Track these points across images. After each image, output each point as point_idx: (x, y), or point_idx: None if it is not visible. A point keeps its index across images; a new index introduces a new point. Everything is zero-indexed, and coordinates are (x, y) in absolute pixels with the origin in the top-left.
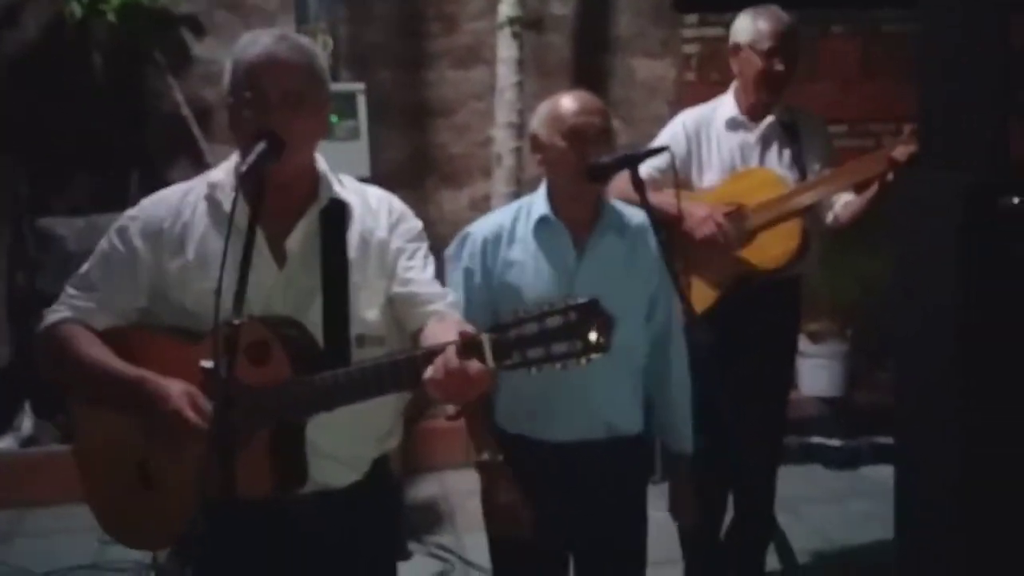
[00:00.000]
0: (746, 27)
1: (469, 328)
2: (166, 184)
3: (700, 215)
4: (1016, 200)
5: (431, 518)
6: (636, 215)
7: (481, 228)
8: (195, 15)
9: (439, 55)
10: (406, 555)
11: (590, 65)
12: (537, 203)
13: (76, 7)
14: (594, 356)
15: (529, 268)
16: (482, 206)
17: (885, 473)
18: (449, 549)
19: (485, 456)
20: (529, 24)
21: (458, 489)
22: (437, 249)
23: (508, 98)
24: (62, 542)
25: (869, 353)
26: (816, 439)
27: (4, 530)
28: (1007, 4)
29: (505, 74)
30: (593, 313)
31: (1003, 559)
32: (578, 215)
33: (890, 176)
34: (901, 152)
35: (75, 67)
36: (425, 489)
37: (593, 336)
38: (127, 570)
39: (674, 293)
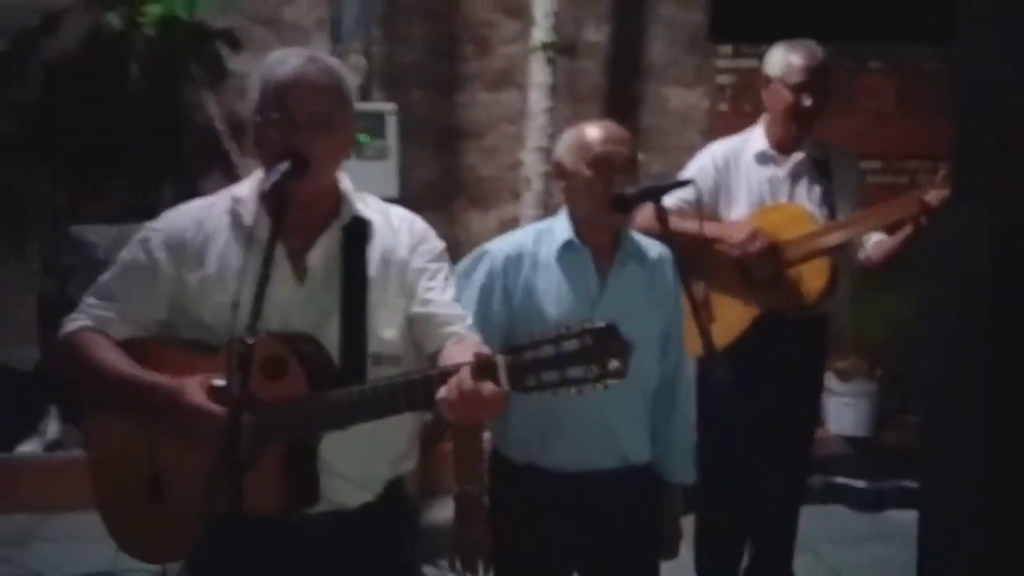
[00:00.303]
0: (778, 60)
1: (485, 349)
2: (199, 195)
3: (743, 234)
4: None
5: (447, 542)
6: (655, 246)
7: (502, 246)
8: (232, 30)
9: (472, 78)
10: None
11: (623, 92)
12: (560, 228)
13: (115, 19)
14: (610, 382)
15: (552, 292)
16: (510, 228)
17: (910, 517)
18: (464, 574)
19: (470, 488)
20: (562, 50)
21: None
22: None
23: (539, 123)
24: (79, 548)
25: (899, 394)
26: (840, 479)
27: (22, 533)
28: None
29: (537, 99)
30: (610, 338)
31: None
32: (600, 242)
33: (924, 220)
34: (934, 196)
35: (112, 78)
36: (442, 512)
37: (610, 361)
38: None
39: (683, 328)
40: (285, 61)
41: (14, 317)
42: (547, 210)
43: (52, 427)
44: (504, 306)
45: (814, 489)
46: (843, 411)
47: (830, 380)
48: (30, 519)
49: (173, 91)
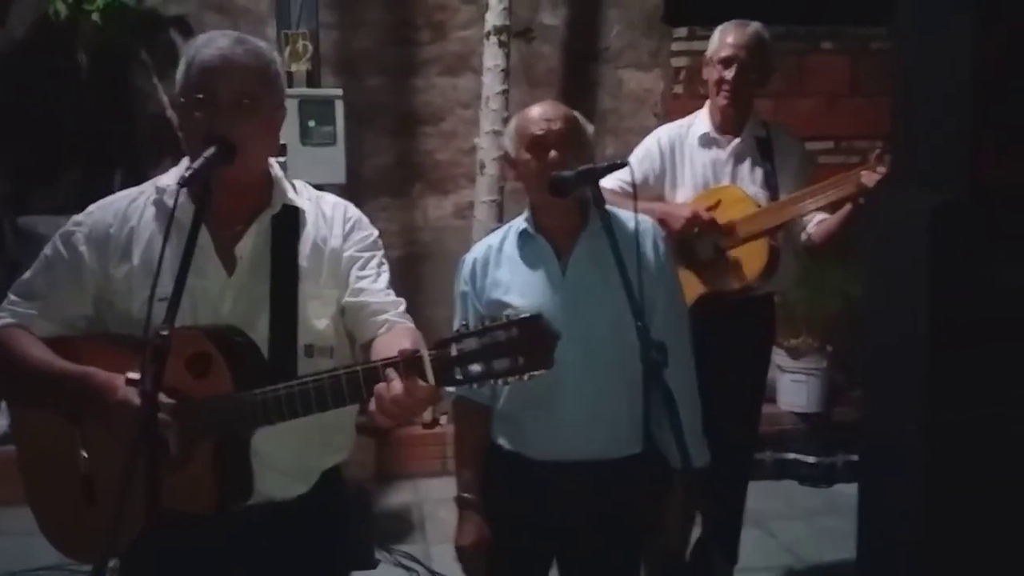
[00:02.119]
0: (713, 39)
1: (414, 341)
2: None
3: (684, 216)
4: (985, 221)
5: (401, 527)
6: (631, 219)
7: (474, 252)
8: (184, 16)
9: (428, 62)
10: (372, 564)
11: (579, 75)
12: (520, 219)
13: (61, 6)
14: (536, 373)
15: (516, 285)
16: (467, 213)
17: None
18: (416, 559)
19: (463, 495)
20: (518, 33)
21: (431, 498)
22: (420, 255)
23: (493, 107)
24: (29, 543)
25: (848, 370)
26: (791, 455)
27: None
28: (980, 24)
29: (491, 83)
30: (536, 328)
31: None
32: (562, 225)
33: (860, 200)
34: (868, 178)
35: (61, 66)
36: (397, 497)
37: (536, 352)
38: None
39: (682, 301)
40: (212, 42)
41: None
42: (502, 195)
43: (1, 421)
44: (478, 306)
45: (765, 465)
46: (794, 388)
47: (781, 357)
48: None
49: (123, 79)
